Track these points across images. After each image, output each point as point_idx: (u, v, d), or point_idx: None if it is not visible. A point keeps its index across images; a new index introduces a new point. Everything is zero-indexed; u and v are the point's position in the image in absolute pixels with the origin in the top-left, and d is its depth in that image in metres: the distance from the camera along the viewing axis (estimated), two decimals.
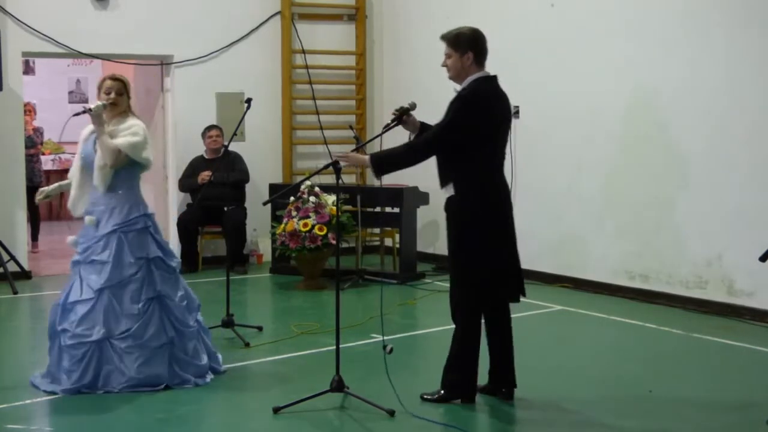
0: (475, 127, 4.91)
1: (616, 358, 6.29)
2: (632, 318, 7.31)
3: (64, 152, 13.50)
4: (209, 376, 5.52)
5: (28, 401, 5.17)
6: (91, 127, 5.45)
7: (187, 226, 9.51)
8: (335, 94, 10.76)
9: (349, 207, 8.92)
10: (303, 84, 10.42)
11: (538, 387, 5.41)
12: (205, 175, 9.25)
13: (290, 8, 10.25)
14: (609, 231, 8.30)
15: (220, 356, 5.78)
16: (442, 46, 5.07)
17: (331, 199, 8.49)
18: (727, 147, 7.33)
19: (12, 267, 8.82)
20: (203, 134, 9.67)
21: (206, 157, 9.65)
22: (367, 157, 5.02)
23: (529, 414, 5.04)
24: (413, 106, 5.13)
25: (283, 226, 8.48)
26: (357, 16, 10.71)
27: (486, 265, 4.98)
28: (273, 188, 9.50)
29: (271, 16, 10.26)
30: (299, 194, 8.47)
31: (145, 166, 5.48)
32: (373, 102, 10.88)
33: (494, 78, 5.07)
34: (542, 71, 8.78)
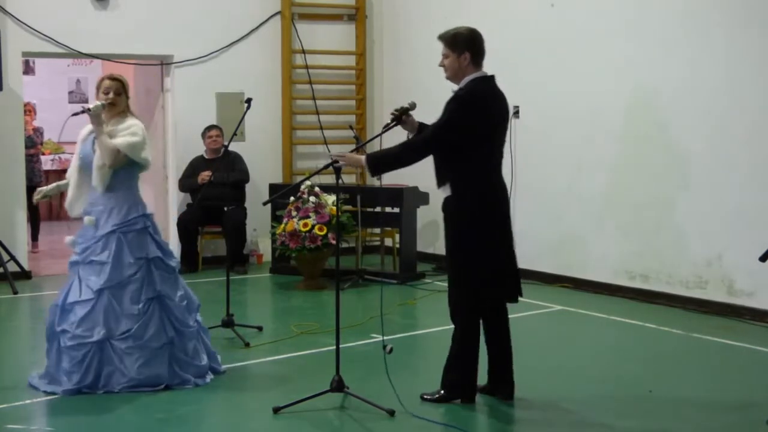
0: (472, 127, 4.91)
1: (616, 358, 6.29)
2: (632, 318, 7.31)
3: (64, 152, 13.49)
4: (209, 377, 5.52)
5: (28, 401, 5.17)
6: (89, 127, 5.45)
7: (187, 226, 9.52)
8: (335, 94, 10.76)
9: (349, 207, 8.93)
10: (303, 84, 10.42)
11: (538, 387, 5.41)
12: (205, 175, 9.25)
13: (290, 8, 10.25)
14: (609, 231, 8.30)
15: (219, 356, 5.78)
16: (441, 46, 5.07)
17: (331, 199, 8.49)
18: (727, 147, 7.33)
19: (12, 267, 8.82)
20: (203, 134, 9.67)
21: (206, 157, 9.65)
22: (363, 157, 5.01)
23: (528, 414, 5.04)
24: (413, 106, 5.13)
25: (283, 226, 8.48)
26: (357, 16, 10.71)
27: (483, 265, 4.98)
28: (273, 188, 9.50)
29: (271, 16, 10.26)
30: (299, 194, 8.47)
31: (144, 167, 5.47)
32: (373, 102, 10.88)
33: (491, 78, 5.06)
34: (542, 71, 8.78)
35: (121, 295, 5.31)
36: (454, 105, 4.95)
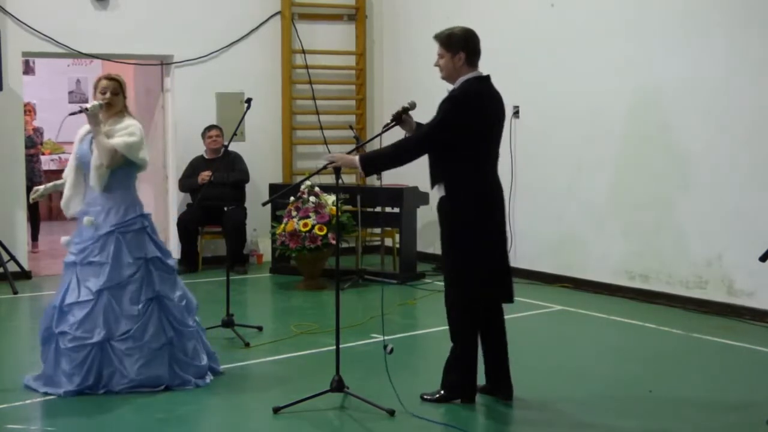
0: (466, 127, 4.90)
1: (616, 358, 6.29)
2: (632, 318, 7.31)
3: (63, 152, 13.49)
4: (209, 377, 5.50)
5: (28, 401, 5.17)
6: (87, 127, 5.44)
7: (187, 226, 9.51)
8: (335, 94, 10.76)
9: (349, 207, 8.93)
10: (303, 84, 10.42)
11: (538, 387, 5.41)
12: (205, 175, 9.25)
13: (290, 8, 10.25)
14: (609, 231, 8.29)
15: (218, 357, 5.77)
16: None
17: (331, 199, 8.49)
18: (727, 147, 7.33)
19: (12, 267, 8.82)
20: (203, 134, 9.67)
21: (206, 157, 9.65)
22: (356, 158, 5.01)
23: (528, 414, 5.04)
24: (413, 106, 5.13)
25: (283, 226, 8.48)
26: (357, 16, 10.71)
27: (480, 265, 4.98)
28: (273, 188, 9.50)
29: (271, 16, 10.26)
30: (299, 194, 8.47)
31: (141, 167, 5.46)
32: (373, 102, 10.88)
33: (487, 78, 5.06)
34: (542, 71, 8.78)
35: (121, 296, 5.30)
36: (448, 105, 4.95)
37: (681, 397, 5.31)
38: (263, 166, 10.08)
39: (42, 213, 11.80)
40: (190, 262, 9.51)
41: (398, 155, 5.07)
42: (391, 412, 4.87)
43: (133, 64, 10.16)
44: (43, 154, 12.22)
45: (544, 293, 8.31)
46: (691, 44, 7.56)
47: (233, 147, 7.94)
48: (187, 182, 9.60)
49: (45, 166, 12.18)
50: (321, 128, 10.40)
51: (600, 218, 8.37)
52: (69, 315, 5.28)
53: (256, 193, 9.62)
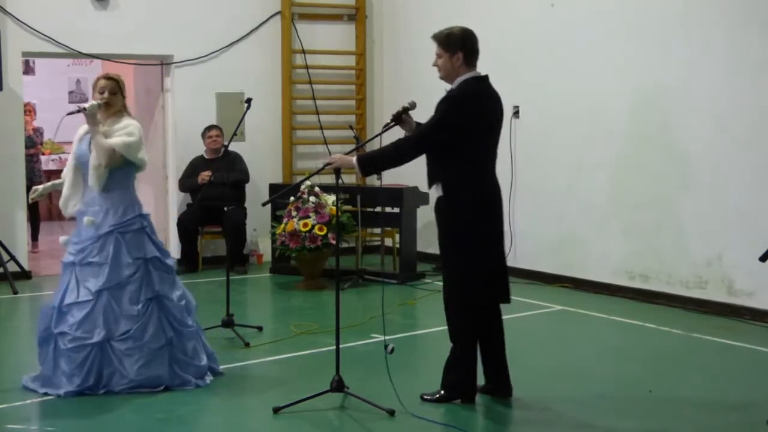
0: (464, 127, 4.90)
1: (616, 358, 6.29)
2: (632, 318, 7.31)
3: (63, 152, 13.49)
4: (209, 378, 5.49)
5: (28, 401, 5.17)
6: (86, 126, 5.44)
7: (187, 226, 9.51)
8: (335, 94, 10.76)
9: (349, 207, 8.93)
10: (303, 84, 10.42)
11: (538, 387, 5.41)
12: (205, 175, 9.25)
13: (290, 8, 10.25)
14: (609, 231, 8.29)
15: (217, 357, 5.77)
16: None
17: (331, 199, 8.49)
18: (727, 147, 7.33)
19: (12, 267, 8.82)
20: (203, 134, 9.67)
21: (206, 157, 9.65)
22: (353, 159, 5.01)
23: (528, 414, 5.04)
24: (413, 106, 5.13)
25: (283, 226, 8.48)
26: (357, 16, 10.71)
27: (479, 265, 4.98)
28: (273, 188, 9.50)
29: (271, 16, 10.26)
30: (299, 194, 8.47)
31: (140, 167, 5.46)
32: (373, 102, 10.88)
33: (485, 78, 5.06)
34: (542, 71, 8.78)
35: (120, 296, 5.29)
36: (445, 105, 4.95)
37: (681, 397, 5.31)
38: (263, 166, 10.08)
39: (42, 213, 11.80)
40: (190, 262, 9.51)
41: (396, 155, 5.07)
42: (391, 412, 4.87)
43: (133, 64, 10.16)
44: (43, 154, 12.22)
45: (544, 293, 8.32)
46: (691, 44, 7.56)
47: (233, 147, 7.94)
48: (187, 182, 9.60)
49: (45, 166, 12.18)
50: (321, 128, 10.41)
51: (600, 218, 8.37)
52: (68, 315, 5.27)
53: (256, 193, 9.62)
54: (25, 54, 9.39)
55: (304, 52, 10.33)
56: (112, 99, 5.41)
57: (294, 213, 8.43)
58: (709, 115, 7.44)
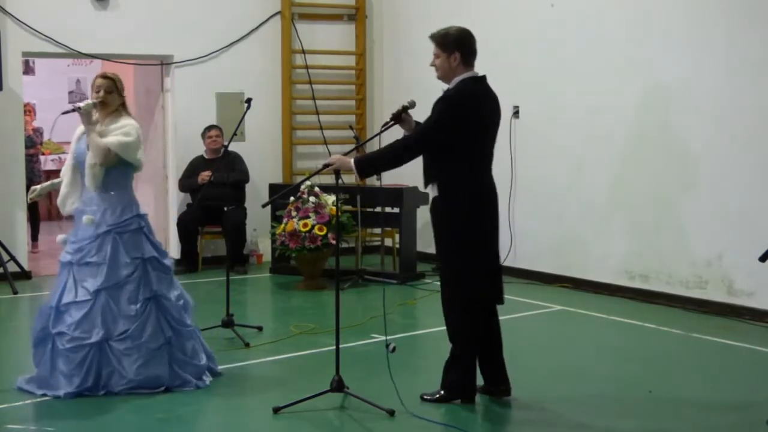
0: (461, 128, 4.90)
1: (616, 358, 6.29)
2: (632, 318, 7.31)
3: (63, 152, 13.49)
4: (208, 378, 5.48)
5: (28, 401, 5.17)
6: None
7: (187, 226, 9.51)
8: (335, 94, 10.76)
9: (349, 207, 8.93)
10: (303, 84, 10.42)
11: (538, 387, 5.41)
12: (205, 175, 9.25)
13: (290, 8, 10.25)
14: (609, 231, 8.29)
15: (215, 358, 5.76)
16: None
17: (331, 199, 8.49)
18: (727, 147, 7.32)
19: (12, 267, 8.82)
20: (203, 134, 9.67)
21: (206, 157, 9.65)
22: (351, 160, 5.01)
23: (528, 414, 5.04)
24: (412, 105, 5.14)
25: (282, 226, 8.48)
26: (357, 16, 10.71)
27: (478, 265, 4.99)
28: (273, 188, 9.50)
29: (271, 16, 10.26)
30: (299, 194, 8.47)
31: (137, 167, 5.45)
32: (373, 102, 10.88)
33: (483, 78, 5.06)
34: (542, 71, 8.78)
35: (118, 296, 5.28)
36: (442, 105, 4.95)
37: (681, 397, 5.31)
38: (263, 166, 10.08)
39: (42, 213, 11.80)
40: (190, 262, 9.51)
41: (394, 156, 5.07)
42: (391, 412, 4.87)
43: (133, 64, 10.15)
44: (43, 154, 12.22)
45: (544, 293, 8.31)
46: (691, 44, 7.56)
47: (233, 147, 7.94)
48: (187, 182, 9.60)
49: (45, 166, 12.19)
50: (321, 128, 10.41)
51: (600, 218, 8.37)
52: (66, 315, 5.25)
53: (256, 193, 9.62)
54: (25, 54, 9.39)
55: (304, 52, 10.33)
56: (108, 98, 5.39)
57: (294, 213, 8.43)
58: (709, 115, 7.44)
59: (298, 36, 10.32)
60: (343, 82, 10.80)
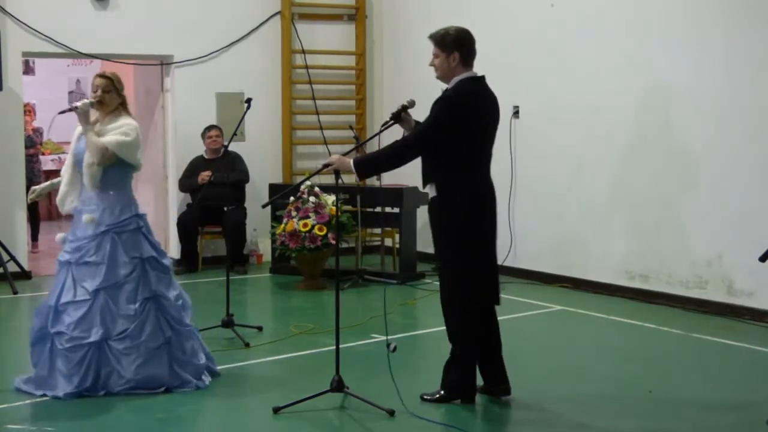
0: (459, 128, 4.90)
1: (616, 358, 6.29)
2: (632, 318, 7.31)
3: (63, 152, 13.49)
4: (207, 378, 5.47)
5: (28, 401, 5.17)
6: None
7: (187, 226, 9.51)
8: (335, 94, 10.76)
9: (349, 207, 8.93)
10: (303, 84, 10.42)
11: (538, 387, 5.41)
12: (205, 175, 9.25)
13: (290, 8, 10.25)
14: (609, 231, 8.29)
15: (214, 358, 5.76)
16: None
17: (331, 199, 8.49)
18: (727, 147, 7.32)
19: (12, 267, 8.82)
20: (203, 134, 9.67)
21: (206, 157, 9.65)
22: (350, 161, 5.00)
23: (528, 414, 5.04)
24: (412, 104, 5.14)
25: (282, 226, 8.48)
26: (357, 16, 10.71)
27: (477, 265, 4.99)
28: (273, 188, 9.50)
29: (271, 16, 10.26)
30: (299, 194, 8.47)
31: (136, 168, 5.44)
32: (373, 102, 10.88)
33: (481, 79, 5.06)
34: (542, 71, 8.78)
35: (117, 296, 5.27)
36: (441, 105, 4.95)
37: (681, 397, 5.31)
38: (263, 166, 10.08)
39: (42, 213, 11.80)
40: (190, 262, 9.51)
41: (393, 157, 5.07)
42: (391, 412, 4.87)
43: (133, 64, 10.15)
44: (43, 154, 12.22)
45: (544, 293, 8.31)
46: (691, 44, 7.56)
47: (233, 147, 7.94)
48: (187, 182, 9.60)
49: (45, 166, 12.18)
50: (321, 128, 10.41)
51: (600, 218, 8.37)
52: (64, 315, 5.24)
53: (256, 194, 9.62)
54: (25, 54, 9.39)
55: (304, 52, 10.33)
56: (106, 97, 5.38)
57: (294, 213, 8.43)
58: (709, 115, 7.44)
59: (298, 36, 10.32)
60: (343, 82, 10.80)
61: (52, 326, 5.25)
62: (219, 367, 5.71)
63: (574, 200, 8.59)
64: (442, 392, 5.11)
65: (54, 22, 9.18)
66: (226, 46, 10.01)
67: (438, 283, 5.27)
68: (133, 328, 5.25)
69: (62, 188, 5.47)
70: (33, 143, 10.72)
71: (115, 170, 5.36)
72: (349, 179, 10.13)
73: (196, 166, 9.58)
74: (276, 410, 4.93)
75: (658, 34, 7.80)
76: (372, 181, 9.32)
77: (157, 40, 9.68)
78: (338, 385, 5.03)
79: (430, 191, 5.05)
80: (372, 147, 5.54)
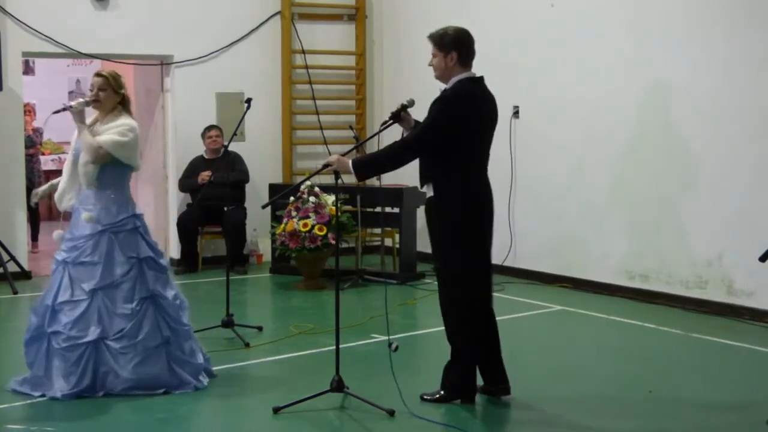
0: (458, 128, 4.90)
1: (616, 358, 6.29)
2: (632, 318, 7.31)
3: (63, 152, 13.48)
4: (205, 379, 5.46)
5: (28, 401, 5.16)
6: None
7: (187, 226, 9.51)
8: (335, 94, 10.76)
9: (349, 207, 8.93)
10: (303, 84, 10.42)
11: (538, 387, 5.41)
12: (205, 175, 9.25)
13: (290, 8, 10.25)
14: (609, 231, 8.29)
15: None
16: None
17: (330, 199, 8.49)
18: (727, 147, 7.32)
19: (12, 267, 8.82)
20: (203, 134, 9.67)
21: (206, 157, 9.65)
22: (350, 161, 5.00)
23: (528, 414, 5.04)
24: (411, 104, 5.14)
25: (282, 226, 8.48)
26: (357, 16, 10.71)
27: (476, 265, 4.99)
28: (273, 188, 9.50)
29: (271, 16, 10.26)
30: (299, 194, 8.47)
31: (134, 167, 5.43)
32: (373, 102, 10.88)
33: (480, 79, 5.05)
34: (542, 71, 8.78)
35: (114, 295, 5.25)
36: (439, 106, 4.95)
37: (681, 397, 5.31)
38: (263, 166, 10.08)
39: (42, 213, 11.79)
40: (190, 262, 9.51)
41: (392, 158, 5.06)
42: (391, 412, 4.87)
43: (133, 64, 10.15)
44: (43, 154, 12.21)
45: (544, 293, 8.31)
46: (691, 44, 7.56)
47: (233, 147, 7.94)
48: (187, 182, 9.60)
49: (45, 166, 12.18)
50: (321, 128, 10.41)
51: (600, 218, 8.37)
52: (61, 314, 5.22)
53: (256, 193, 9.62)
54: (25, 54, 9.39)
55: (304, 52, 10.33)
56: (102, 96, 5.36)
57: (294, 213, 8.43)
58: (709, 115, 7.44)
59: (298, 36, 10.32)
60: (343, 82, 10.80)
61: (49, 326, 5.24)
62: (219, 367, 5.72)
63: (574, 200, 8.59)
64: (442, 392, 5.11)
65: (54, 22, 9.18)
66: (226, 46, 10.01)
67: (437, 283, 5.26)
68: (131, 328, 5.23)
69: (61, 185, 5.46)
70: (33, 143, 10.73)
71: (113, 170, 5.34)
72: (349, 179, 10.14)
73: (196, 166, 9.58)
74: (276, 410, 4.93)
75: (658, 34, 7.80)
76: (372, 181, 9.32)
77: (157, 40, 9.68)
78: (338, 385, 5.03)
79: (428, 191, 5.05)
80: (372, 147, 5.53)
